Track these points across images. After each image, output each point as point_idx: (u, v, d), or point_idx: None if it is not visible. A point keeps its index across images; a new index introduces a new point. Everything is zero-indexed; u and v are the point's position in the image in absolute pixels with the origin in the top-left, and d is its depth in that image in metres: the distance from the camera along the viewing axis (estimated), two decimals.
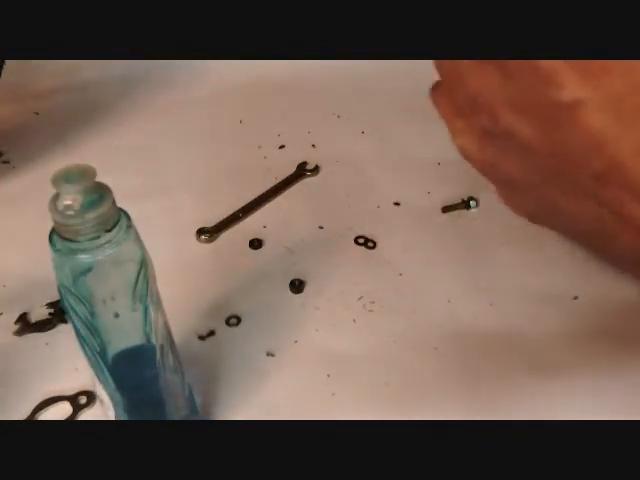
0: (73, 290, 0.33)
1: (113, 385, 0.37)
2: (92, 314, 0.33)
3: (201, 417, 0.44)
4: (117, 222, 0.32)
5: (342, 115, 0.70)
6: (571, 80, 0.23)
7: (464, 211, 0.59)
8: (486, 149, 0.28)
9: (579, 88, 0.23)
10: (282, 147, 0.68)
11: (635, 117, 0.22)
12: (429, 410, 0.44)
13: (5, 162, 0.66)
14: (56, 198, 0.31)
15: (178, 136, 0.69)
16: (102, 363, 0.36)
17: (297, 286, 0.53)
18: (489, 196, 0.60)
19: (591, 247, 0.27)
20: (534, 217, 0.29)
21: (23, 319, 0.51)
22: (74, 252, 0.31)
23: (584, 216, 0.26)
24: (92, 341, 0.35)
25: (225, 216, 0.60)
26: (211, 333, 0.50)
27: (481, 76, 0.26)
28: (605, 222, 0.25)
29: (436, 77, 0.31)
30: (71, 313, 0.34)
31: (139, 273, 0.34)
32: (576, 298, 0.51)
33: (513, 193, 0.29)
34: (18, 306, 0.52)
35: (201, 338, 0.50)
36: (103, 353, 0.35)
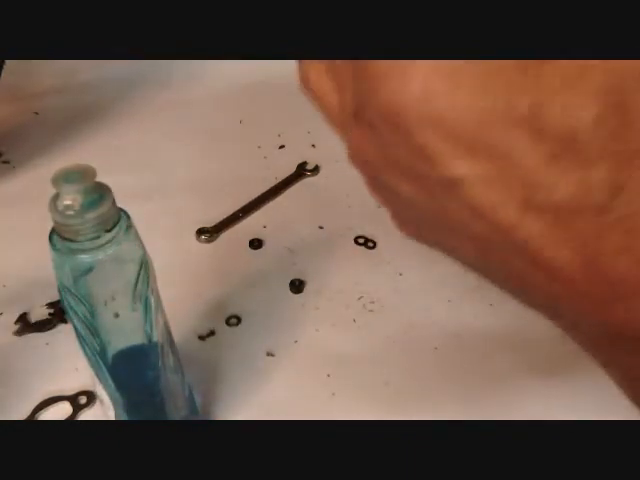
0: (73, 290, 0.33)
1: (113, 385, 0.37)
2: (92, 314, 0.33)
3: (201, 417, 0.44)
4: (117, 222, 0.32)
5: None
6: (450, 158, 0.22)
7: None
8: (373, 188, 0.29)
9: (459, 166, 0.22)
10: (282, 147, 0.68)
11: (510, 190, 0.22)
12: (429, 410, 0.44)
13: (5, 162, 0.66)
14: (56, 198, 0.31)
15: (178, 136, 0.69)
16: (102, 363, 0.36)
17: (297, 286, 0.53)
18: None
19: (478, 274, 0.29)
20: (421, 242, 0.30)
21: (23, 319, 0.51)
22: (74, 252, 0.31)
23: (469, 257, 0.28)
24: (92, 341, 0.35)
25: (225, 216, 0.60)
26: (211, 333, 0.50)
27: (359, 134, 0.26)
28: (493, 270, 0.27)
29: None
30: (71, 313, 0.34)
31: (139, 273, 0.34)
32: None
33: (403, 224, 0.30)
34: (18, 306, 0.52)
35: (201, 338, 0.50)
36: (103, 353, 0.35)
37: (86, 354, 0.36)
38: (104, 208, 0.31)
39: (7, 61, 0.66)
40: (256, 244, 0.57)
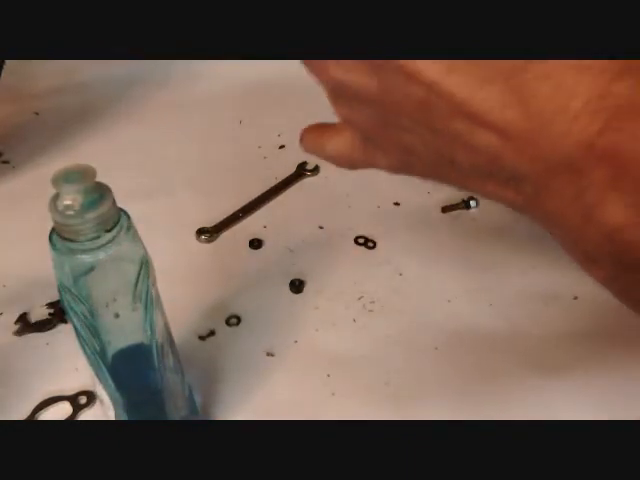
0: (73, 290, 0.33)
1: (113, 385, 0.37)
2: (92, 314, 0.33)
3: (201, 417, 0.44)
4: (117, 222, 0.32)
5: None
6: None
7: (464, 211, 0.59)
8: (341, 107, 0.34)
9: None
10: (282, 147, 0.68)
11: None
12: (429, 410, 0.44)
13: (5, 162, 0.66)
14: (56, 198, 0.31)
15: (178, 136, 0.69)
16: (102, 363, 0.36)
17: (297, 286, 0.53)
18: None
19: (443, 180, 0.32)
20: (394, 167, 0.34)
21: (23, 319, 0.51)
22: (74, 252, 0.31)
23: (422, 147, 0.30)
24: (92, 341, 0.35)
25: (225, 216, 0.60)
26: (211, 333, 0.50)
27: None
28: (441, 147, 0.29)
29: None
30: (71, 313, 0.34)
31: (139, 273, 0.34)
32: (576, 298, 0.51)
33: (372, 148, 0.34)
34: (18, 306, 0.52)
35: (201, 338, 0.50)
36: (103, 353, 0.35)
37: (86, 354, 0.36)
38: (104, 208, 0.31)
39: (7, 61, 0.66)
40: (256, 244, 0.57)
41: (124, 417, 0.39)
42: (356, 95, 0.31)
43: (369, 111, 0.31)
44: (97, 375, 0.37)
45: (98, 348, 0.35)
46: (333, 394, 0.46)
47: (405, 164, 0.33)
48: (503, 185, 0.28)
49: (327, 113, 0.74)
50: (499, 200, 0.30)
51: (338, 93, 0.33)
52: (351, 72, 0.30)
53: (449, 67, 0.26)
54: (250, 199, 0.61)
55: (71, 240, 0.31)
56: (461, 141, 0.27)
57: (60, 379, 0.47)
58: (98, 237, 0.31)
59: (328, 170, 0.65)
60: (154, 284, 0.35)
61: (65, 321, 0.50)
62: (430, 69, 0.26)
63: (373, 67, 0.29)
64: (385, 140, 0.32)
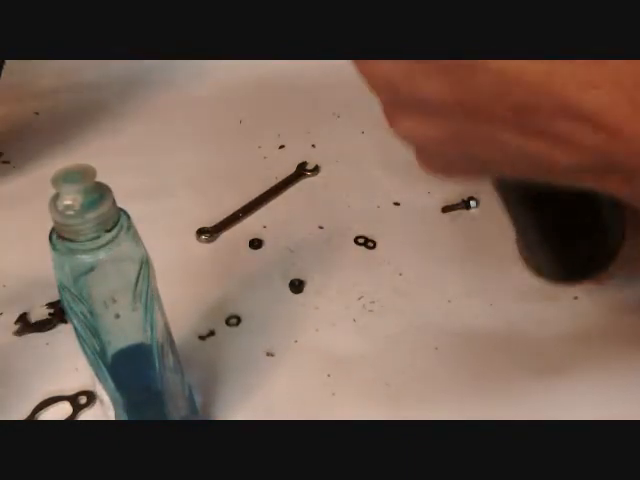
0: (73, 290, 0.33)
1: (113, 385, 0.37)
2: (92, 314, 0.33)
3: (201, 417, 0.44)
4: (117, 222, 0.32)
5: (342, 115, 0.70)
6: None
7: (464, 211, 0.59)
8: (400, 120, 0.30)
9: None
10: (282, 147, 0.68)
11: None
12: (429, 410, 0.44)
13: (5, 162, 0.66)
14: (56, 198, 0.31)
15: (178, 136, 0.69)
16: (102, 363, 0.36)
17: (297, 286, 0.53)
18: (489, 196, 0.60)
19: (527, 176, 0.30)
20: (449, 171, 0.31)
21: (23, 319, 0.51)
22: (74, 252, 0.31)
23: (501, 153, 0.28)
24: (92, 341, 0.35)
25: (225, 216, 0.60)
26: (211, 333, 0.50)
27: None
28: (533, 149, 0.27)
29: None
30: (71, 313, 0.34)
31: (139, 273, 0.34)
32: (576, 298, 0.51)
33: (427, 155, 0.31)
34: (18, 306, 0.52)
35: (201, 338, 0.50)
36: (103, 353, 0.35)
37: (86, 354, 0.36)
38: (104, 208, 0.31)
39: (7, 61, 0.66)
40: (256, 244, 0.57)
41: (124, 417, 0.39)
42: (423, 103, 0.27)
43: (439, 122, 0.28)
44: (97, 375, 0.37)
45: (98, 348, 0.35)
46: (333, 394, 0.46)
47: (471, 172, 0.31)
48: (604, 177, 0.28)
49: (328, 114, 0.74)
50: (598, 188, 0.29)
51: (397, 102, 0.29)
52: (415, 76, 0.26)
53: (550, 68, 0.25)
54: (250, 199, 0.61)
55: (71, 240, 0.31)
56: (563, 141, 0.26)
57: (60, 379, 0.47)
58: (98, 237, 0.31)
59: (328, 170, 0.65)
60: (154, 284, 0.35)
61: (65, 321, 0.50)
62: (532, 70, 0.25)
63: (443, 68, 0.26)
64: (453, 154, 0.29)
